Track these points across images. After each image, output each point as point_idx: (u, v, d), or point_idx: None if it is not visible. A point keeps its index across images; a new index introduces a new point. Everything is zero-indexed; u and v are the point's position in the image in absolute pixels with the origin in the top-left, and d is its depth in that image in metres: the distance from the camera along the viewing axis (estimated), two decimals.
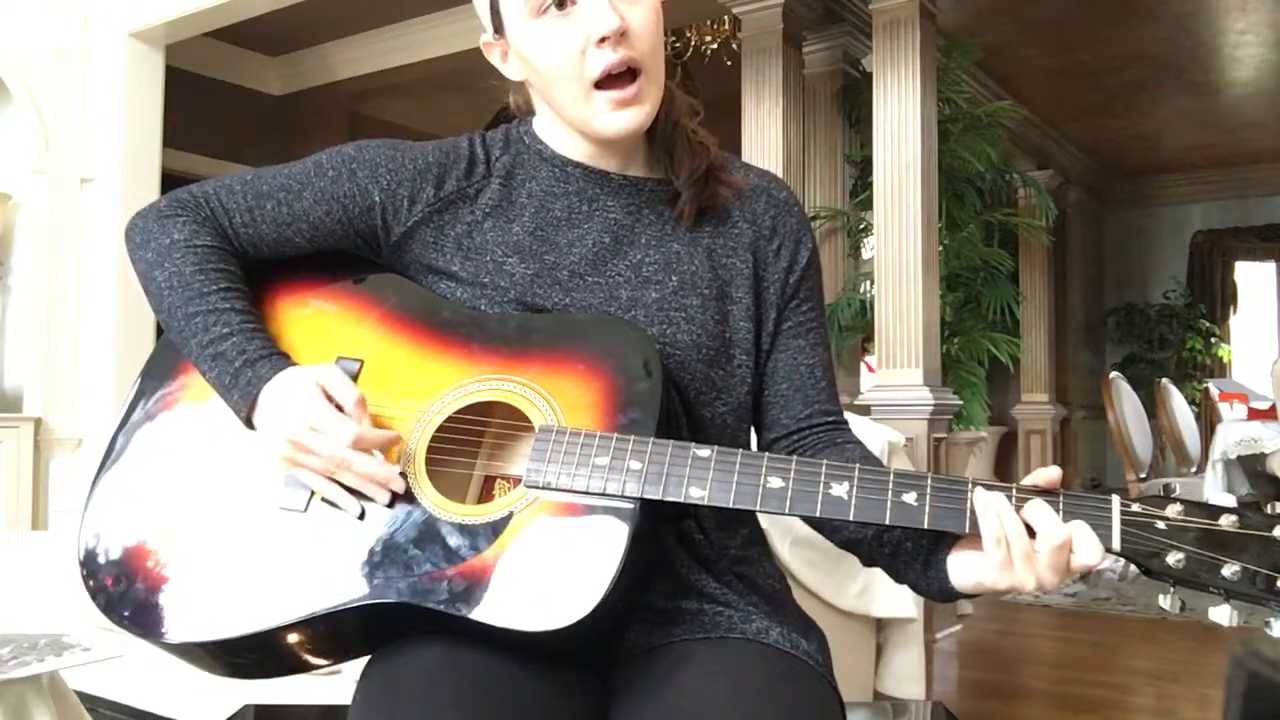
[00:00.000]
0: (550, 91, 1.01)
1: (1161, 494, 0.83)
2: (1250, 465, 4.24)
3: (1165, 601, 0.81)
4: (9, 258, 4.43)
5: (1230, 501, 0.81)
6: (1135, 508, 0.82)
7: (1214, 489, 4.16)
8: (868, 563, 1.01)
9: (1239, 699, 1.40)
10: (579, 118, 1.00)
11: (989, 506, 0.84)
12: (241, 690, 1.28)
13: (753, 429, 1.10)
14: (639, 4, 0.97)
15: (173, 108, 4.63)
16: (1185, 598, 0.81)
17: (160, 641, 0.93)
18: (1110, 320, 8.64)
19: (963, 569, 0.89)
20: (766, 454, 0.89)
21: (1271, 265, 8.53)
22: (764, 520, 1.12)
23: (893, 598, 2.24)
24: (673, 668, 0.91)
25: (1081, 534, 0.82)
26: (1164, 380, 5.50)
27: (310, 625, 0.89)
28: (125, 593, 0.94)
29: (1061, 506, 0.83)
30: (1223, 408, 5.45)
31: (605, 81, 0.97)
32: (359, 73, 5.85)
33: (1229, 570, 0.78)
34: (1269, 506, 0.79)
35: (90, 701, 1.73)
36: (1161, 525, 0.81)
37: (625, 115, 0.97)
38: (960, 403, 4.12)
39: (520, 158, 1.07)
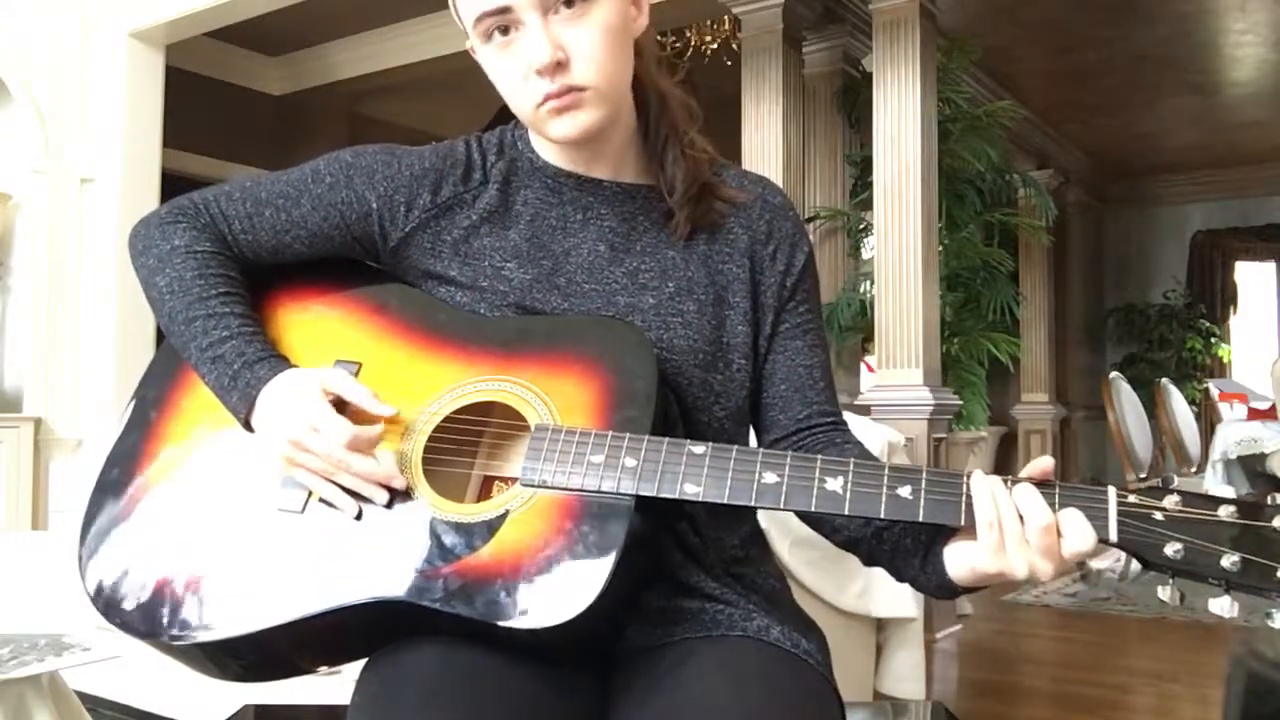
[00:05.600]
0: (510, 105, 1.02)
1: (1160, 486, 0.83)
2: (1250, 465, 4.25)
3: (1164, 593, 0.81)
4: (9, 258, 4.43)
5: (1229, 493, 0.81)
6: (1132, 499, 0.82)
7: (1214, 489, 4.17)
8: (868, 562, 1.01)
9: (1239, 699, 1.41)
10: (537, 129, 1.02)
11: (984, 489, 0.84)
12: (241, 690, 1.28)
13: (752, 432, 1.09)
14: (581, 25, 0.95)
15: (173, 108, 4.63)
16: (1184, 589, 0.81)
17: (159, 643, 0.93)
18: (1110, 320, 8.63)
19: (957, 557, 0.89)
20: (761, 450, 0.89)
21: (1271, 265, 8.53)
22: (764, 520, 1.12)
23: (893, 598, 2.24)
24: (673, 666, 0.91)
25: (1070, 518, 0.82)
26: (1164, 380, 5.51)
27: (308, 625, 0.89)
28: (124, 595, 0.95)
29: (1057, 498, 0.83)
30: (1223, 408, 5.46)
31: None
32: (359, 73, 5.86)
33: (1228, 561, 0.78)
34: (1269, 498, 0.79)
35: (90, 701, 1.73)
36: (1159, 516, 0.80)
37: (566, 121, 0.97)
38: (960, 403, 4.12)
39: (514, 165, 1.07)
